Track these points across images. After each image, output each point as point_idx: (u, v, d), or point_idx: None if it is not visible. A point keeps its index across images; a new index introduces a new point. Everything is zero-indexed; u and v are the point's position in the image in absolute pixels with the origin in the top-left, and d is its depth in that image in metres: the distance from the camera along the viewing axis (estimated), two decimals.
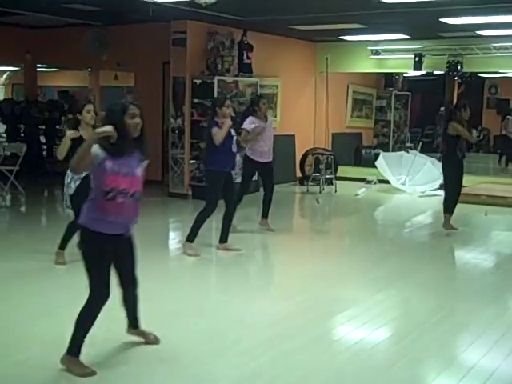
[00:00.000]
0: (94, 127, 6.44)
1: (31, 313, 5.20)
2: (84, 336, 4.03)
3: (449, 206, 8.66)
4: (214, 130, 7.06)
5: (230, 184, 7.36)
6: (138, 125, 3.99)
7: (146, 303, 4.60)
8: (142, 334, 4.58)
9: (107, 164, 3.84)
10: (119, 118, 3.93)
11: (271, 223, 8.63)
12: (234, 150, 7.28)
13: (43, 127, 14.15)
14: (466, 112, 8.33)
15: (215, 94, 10.86)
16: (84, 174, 6.24)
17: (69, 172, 6.08)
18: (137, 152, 4.06)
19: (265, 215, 8.63)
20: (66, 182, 6.39)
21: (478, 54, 12.70)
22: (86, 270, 4.03)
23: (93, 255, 4.02)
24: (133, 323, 4.56)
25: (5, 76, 17.04)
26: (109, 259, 4.09)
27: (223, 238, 7.49)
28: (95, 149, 3.80)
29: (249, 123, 8.26)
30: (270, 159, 8.50)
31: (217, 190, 7.22)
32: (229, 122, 7.05)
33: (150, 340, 4.55)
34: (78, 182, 6.25)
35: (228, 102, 7.26)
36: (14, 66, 15.70)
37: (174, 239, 8.71)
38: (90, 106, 6.51)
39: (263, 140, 8.33)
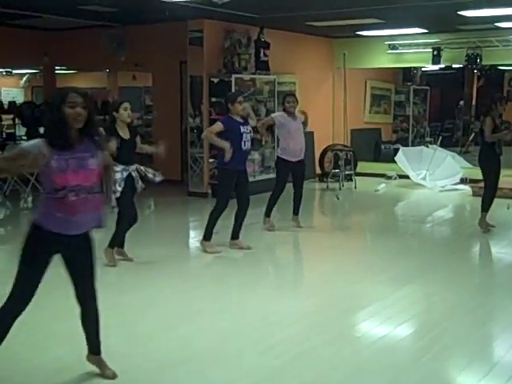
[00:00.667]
0: (130, 125, 6.50)
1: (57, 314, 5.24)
2: None
3: (486, 204, 8.34)
4: (216, 125, 7.08)
5: (243, 182, 7.29)
6: (79, 115, 3.52)
7: (167, 302, 4.60)
8: (101, 364, 4.02)
9: (53, 163, 3.50)
10: (57, 107, 3.54)
11: (290, 220, 8.64)
12: (245, 147, 7.14)
13: None
14: (503, 106, 8.12)
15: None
16: (125, 174, 6.33)
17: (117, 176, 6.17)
18: (89, 143, 3.65)
19: (296, 212, 8.64)
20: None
21: (497, 46, 12.57)
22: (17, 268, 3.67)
23: (27, 253, 3.62)
24: (93, 348, 4.01)
25: (24, 79, 17.15)
26: (44, 264, 3.66)
27: (234, 235, 7.47)
28: (40, 147, 3.51)
29: (278, 115, 8.33)
30: (302, 157, 8.47)
31: (227, 187, 7.17)
32: (225, 145, 6.96)
33: (107, 374, 3.98)
34: (122, 184, 6.31)
35: (240, 98, 7.18)
36: (32, 69, 15.79)
37: (194, 238, 8.72)
38: (126, 104, 6.51)
39: (294, 139, 8.30)
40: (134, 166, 6.47)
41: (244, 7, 9.55)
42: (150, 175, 6.62)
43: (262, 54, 11.57)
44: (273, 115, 8.32)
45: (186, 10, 9.60)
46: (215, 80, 11.13)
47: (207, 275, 6.77)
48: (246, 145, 7.15)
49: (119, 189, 6.28)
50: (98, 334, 3.97)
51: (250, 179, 11.10)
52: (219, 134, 7.03)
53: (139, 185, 6.52)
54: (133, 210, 6.58)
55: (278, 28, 12.13)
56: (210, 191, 11.27)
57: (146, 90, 14.87)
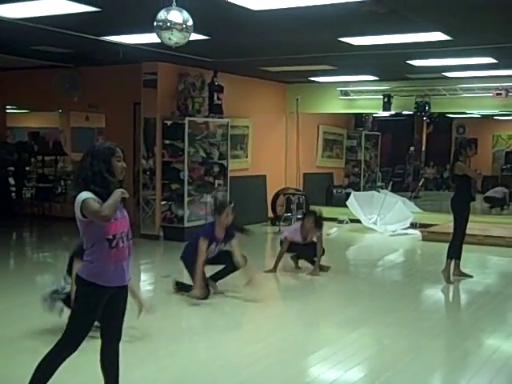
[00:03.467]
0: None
1: None
2: None
3: (455, 250, 8.24)
4: (200, 240, 6.95)
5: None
6: (124, 169, 3.87)
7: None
8: None
9: None
10: (108, 159, 3.79)
11: None
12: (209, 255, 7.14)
13: (12, 169, 14.01)
14: (472, 150, 8.16)
15: (186, 135, 10.89)
16: None
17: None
18: None
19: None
20: None
21: (444, 94, 12.94)
22: (71, 315, 3.85)
23: (87, 307, 3.77)
24: None
25: None
26: (99, 314, 3.84)
27: (215, 277, 7.41)
28: (92, 199, 3.64)
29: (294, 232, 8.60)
30: None
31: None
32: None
33: None
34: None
35: (228, 210, 7.09)
36: None
37: (145, 281, 8.60)
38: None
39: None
40: None
41: (198, 51, 9.63)
42: None
43: (215, 97, 11.65)
44: (288, 236, 8.62)
45: (140, 52, 9.63)
46: (169, 122, 11.15)
47: (158, 318, 6.65)
48: (211, 254, 7.14)
49: None
50: (117, 376, 3.99)
51: (202, 222, 11.20)
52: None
53: None
54: None
55: (232, 72, 12.26)
56: (161, 234, 11.17)
57: (99, 131, 14.78)
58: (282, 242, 8.73)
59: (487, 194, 17.01)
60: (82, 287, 3.75)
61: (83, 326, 3.77)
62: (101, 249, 3.71)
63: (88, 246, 3.75)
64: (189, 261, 7.09)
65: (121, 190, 3.74)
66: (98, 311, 3.77)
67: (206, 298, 6.95)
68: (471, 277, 8.43)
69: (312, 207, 8.70)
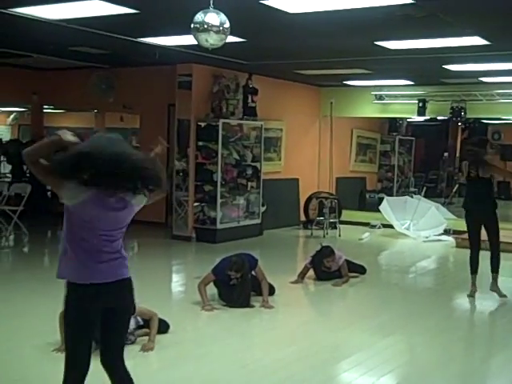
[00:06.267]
0: None
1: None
2: None
3: (495, 262, 7.63)
4: (209, 274, 6.92)
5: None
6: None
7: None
8: None
9: None
10: None
11: (275, 265, 8.58)
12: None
13: None
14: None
15: (220, 137, 10.92)
16: None
17: None
18: None
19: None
20: None
21: (481, 100, 12.78)
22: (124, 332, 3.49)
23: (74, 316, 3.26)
24: None
25: (11, 117, 17.16)
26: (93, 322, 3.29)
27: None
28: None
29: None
30: None
31: None
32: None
33: None
34: None
35: (233, 273, 6.81)
36: (20, 107, 15.82)
37: (177, 282, 8.64)
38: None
39: None
40: None
41: (233, 53, 9.66)
42: None
43: (249, 99, 11.67)
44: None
45: (176, 54, 9.70)
46: (202, 124, 11.19)
47: (188, 320, 6.68)
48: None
49: None
50: None
51: (234, 224, 11.21)
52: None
53: None
54: None
55: (267, 75, 12.26)
56: (194, 235, 11.21)
57: (133, 132, 14.89)
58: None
59: None
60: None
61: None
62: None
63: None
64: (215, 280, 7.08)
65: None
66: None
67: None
68: (506, 296, 7.72)
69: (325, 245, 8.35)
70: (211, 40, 5.63)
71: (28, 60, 11.92)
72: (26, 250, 10.74)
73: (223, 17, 5.57)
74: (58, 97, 13.65)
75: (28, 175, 14.03)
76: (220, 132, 10.97)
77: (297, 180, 13.81)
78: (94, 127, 14.11)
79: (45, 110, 14.70)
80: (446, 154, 20.61)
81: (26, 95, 13.66)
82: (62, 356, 4.63)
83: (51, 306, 6.47)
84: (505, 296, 7.65)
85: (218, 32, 5.57)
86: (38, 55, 11.25)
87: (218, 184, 11.07)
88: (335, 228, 12.77)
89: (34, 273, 8.49)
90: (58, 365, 4.70)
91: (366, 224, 13.59)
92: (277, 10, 6.63)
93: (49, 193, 14.41)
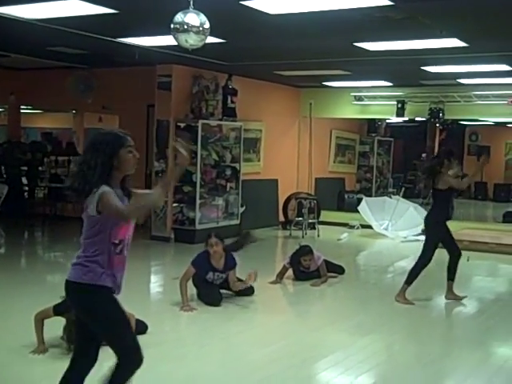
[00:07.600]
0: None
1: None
2: None
3: (414, 277, 7.54)
4: (188, 267, 6.92)
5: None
6: (137, 160, 3.31)
7: None
8: None
9: None
10: (116, 151, 3.23)
11: (254, 265, 8.58)
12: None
13: (25, 168, 14.09)
14: (456, 161, 7.42)
15: (199, 138, 10.91)
16: None
17: None
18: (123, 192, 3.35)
19: None
20: None
21: (458, 101, 12.90)
22: (105, 335, 3.41)
23: (113, 312, 3.35)
24: None
25: None
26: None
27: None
28: (114, 194, 3.14)
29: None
30: None
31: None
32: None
33: None
34: None
35: (211, 241, 6.94)
36: None
37: (155, 283, 8.62)
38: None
39: None
40: None
41: (213, 54, 9.66)
42: None
43: (229, 100, 11.67)
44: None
45: (155, 54, 9.67)
46: (182, 125, 11.17)
47: (167, 320, 6.67)
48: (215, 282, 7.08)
49: None
50: None
51: (213, 225, 11.20)
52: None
53: None
54: None
55: (246, 76, 12.28)
56: (172, 236, 11.19)
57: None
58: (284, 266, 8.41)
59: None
60: (93, 293, 3.30)
61: (126, 330, 3.44)
62: (105, 253, 3.22)
63: (89, 250, 3.23)
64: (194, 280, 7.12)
65: (160, 190, 3.18)
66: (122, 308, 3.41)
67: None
68: (413, 304, 7.47)
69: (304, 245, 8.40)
70: (191, 40, 5.63)
71: (5, 60, 11.82)
72: (1, 251, 10.64)
73: (203, 17, 5.58)
74: (36, 97, 13.56)
75: (4, 176, 13.93)
76: (199, 133, 10.96)
77: (276, 181, 13.84)
78: (72, 128, 14.05)
79: (22, 111, 14.60)
80: (423, 155, 20.77)
81: (3, 95, 13.55)
82: (38, 358, 4.65)
83: (27, 307, 6.46)
84: (465, 297, 7.70)
85: (197, 32, 5.58)
86: (16, 55, 11.16)
87: (198, 185, 11.06)
88: (314, 228, 12.81)
89: (10, 275, 8.41)
90: (32, 367, 4.69)
91: (345, 224, 13.65)
92: (257, 11, 6.64)
93: (26, 193, 14.34)
